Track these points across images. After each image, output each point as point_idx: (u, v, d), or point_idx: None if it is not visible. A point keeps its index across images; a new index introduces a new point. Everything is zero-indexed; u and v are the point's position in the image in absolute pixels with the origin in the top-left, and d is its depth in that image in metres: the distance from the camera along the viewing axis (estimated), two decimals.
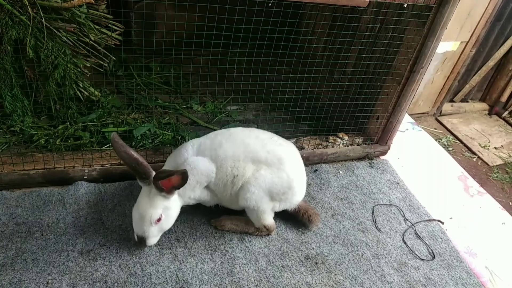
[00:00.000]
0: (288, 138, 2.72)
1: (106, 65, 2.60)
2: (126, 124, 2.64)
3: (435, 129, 4.51)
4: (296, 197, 2.12)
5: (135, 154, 1.77)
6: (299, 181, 2.11)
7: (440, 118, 4.70)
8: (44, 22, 2.23)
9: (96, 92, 2.66)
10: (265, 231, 2.13)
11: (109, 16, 2.52)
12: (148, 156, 2.35)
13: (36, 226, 1.95)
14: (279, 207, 2.11)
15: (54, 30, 2.28)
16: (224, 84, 2.47)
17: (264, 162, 1.97)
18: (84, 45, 2.46)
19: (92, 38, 2.46)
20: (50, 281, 1.72)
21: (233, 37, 2.22)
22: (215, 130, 2.85)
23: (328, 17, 3.31)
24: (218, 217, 2.15)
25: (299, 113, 2.68)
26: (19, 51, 2.25)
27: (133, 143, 2.52)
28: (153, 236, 1.88)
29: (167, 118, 2.80)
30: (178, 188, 1.80)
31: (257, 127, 3.01)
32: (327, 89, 2.88)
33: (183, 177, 1.73)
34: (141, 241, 1.85)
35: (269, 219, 2.10)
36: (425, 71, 2.53)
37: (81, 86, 2.56)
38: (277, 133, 2.87)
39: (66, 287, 1.71)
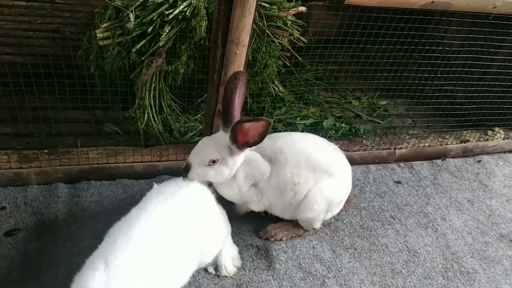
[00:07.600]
0: (441, 131, 3.07)
1: (289, 64, 2.98)
2: (310, 117, 3.01)
3: None
4: (341, 205, 2.17)
5: (236, 99, 1.74)
6: (349, 189, 2.16)
7: None
8: (265, 29, 2.61)
9: (282, 89, 3.04)
10: (312, 232, 2.18)
11: (303, 23, 2.89)
12: (344, 146, 2.70)
13: None
14: (330, 215, 2.14)
15: (270, 35, 2.66)
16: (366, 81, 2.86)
17: (326, 171, 1.95)
18: (281, 48, 2.83)
19: (287, 42, 2.84)
20: (314, 246, 2.12)
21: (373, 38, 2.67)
22: (378, 123, 3.21)
23: (467, 23, 3.52)
24: (264, 228, 2.13)
25: (448, 109, 3.01)
26: None
27: (320, 134, 2.88)
28: (196, 173, 1.75)
29: (336, 112, 3.16)
30: (250, 146, 1.74)
31: (413, 121, 3.34)
32: (466, 88, 3.13)
33: (264, 129, 1.65)
34: (186, 169, 1.75)
35: (319, 225, 2.15)
36: None
37: (276, 83, 2.94)
38: (429, 127, 3.25)
39: (328, 252, 2.10)
